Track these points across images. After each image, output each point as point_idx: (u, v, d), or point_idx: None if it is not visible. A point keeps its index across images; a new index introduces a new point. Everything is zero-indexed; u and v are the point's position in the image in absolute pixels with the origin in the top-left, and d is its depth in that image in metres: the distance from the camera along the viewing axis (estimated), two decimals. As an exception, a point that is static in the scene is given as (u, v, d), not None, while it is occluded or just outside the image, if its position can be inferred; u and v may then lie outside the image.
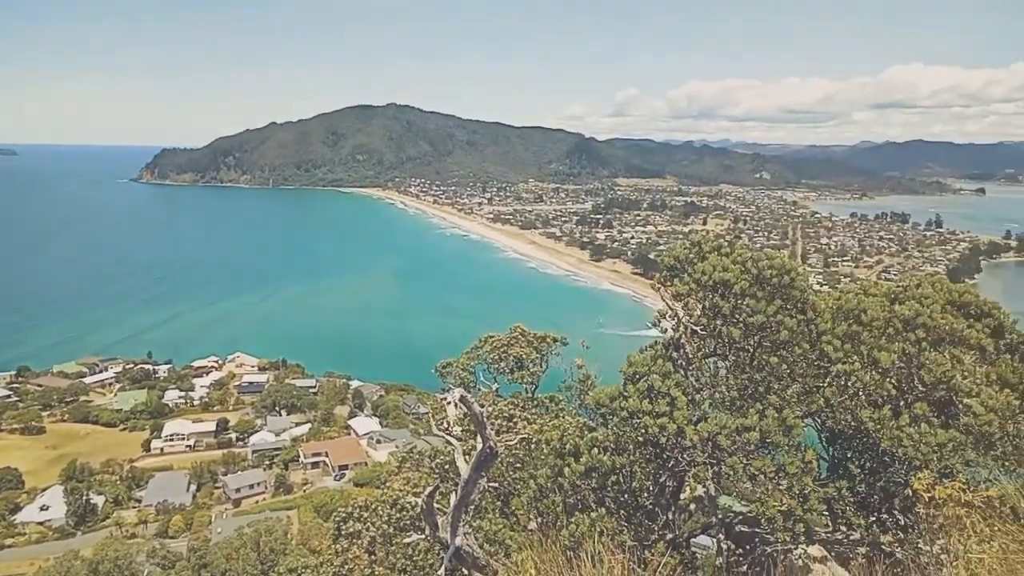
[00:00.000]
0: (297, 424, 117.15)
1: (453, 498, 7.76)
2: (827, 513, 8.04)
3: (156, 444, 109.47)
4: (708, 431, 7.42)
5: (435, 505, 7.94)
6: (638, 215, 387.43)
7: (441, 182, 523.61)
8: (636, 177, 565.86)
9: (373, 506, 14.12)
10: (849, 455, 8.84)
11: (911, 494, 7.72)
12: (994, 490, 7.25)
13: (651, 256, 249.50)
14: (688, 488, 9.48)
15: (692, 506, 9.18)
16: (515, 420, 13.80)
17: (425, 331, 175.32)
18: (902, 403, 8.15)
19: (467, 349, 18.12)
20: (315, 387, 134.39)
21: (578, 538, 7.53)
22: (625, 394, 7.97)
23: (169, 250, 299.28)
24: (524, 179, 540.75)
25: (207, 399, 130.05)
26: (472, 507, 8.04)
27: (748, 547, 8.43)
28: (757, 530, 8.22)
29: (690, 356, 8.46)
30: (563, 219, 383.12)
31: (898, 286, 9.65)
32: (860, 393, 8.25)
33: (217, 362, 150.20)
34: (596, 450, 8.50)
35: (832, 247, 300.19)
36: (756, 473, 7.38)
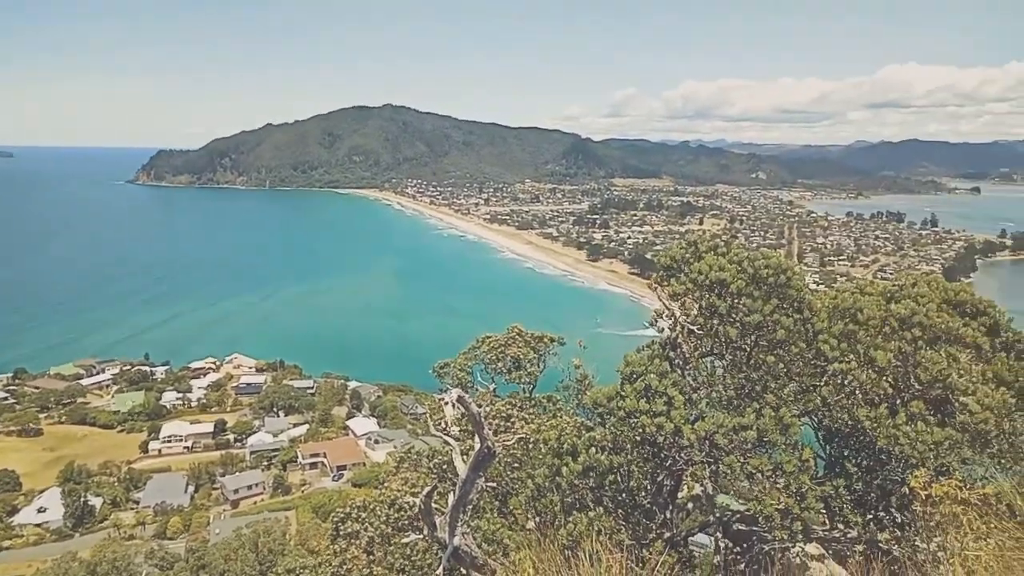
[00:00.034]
0: (295, 425, 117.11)
1: (451, 498, 7.77)
2: (824, 511, 8.06)
3: (154, 445, 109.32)
4: (705, 430, 7.44)
5: (433, 505, 7.95)
6: (634, 215, 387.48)
7: (438, 183, 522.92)
8: (632, 177, 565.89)
9: (371, 506, 14.11)
10: (846, 453, 8.88)
11: (908, 492, 7.75)
12: (990, 488, 7.28)
13: (648, 256, 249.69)
14: (686, 487, 9.50)
15: (690, 505, 9.20)
16: (513, 420, 13.82)
17: (423, 332, 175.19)
18: (898, 401, 8.18)
19: (464, 349, 18.14)
20: (313, 388, 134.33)
21: (576, 537, 7.54)
22: (622, 393, 7.99)
23: (165, 251, 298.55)
24: (521, 179, 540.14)
25: (205, 400, 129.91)
26: (470, 507, 8.04)
27: (746, 545, 8.46)
28: (755, 528, 8.24)
29: (687, 355, 8.47)
30: (560, 219, 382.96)
31: (894, 285, 9.69)
32: (857, 392, 8.28)
33: (215, 363, 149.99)
34: (594, 449, 8.51)
35: (828, 246, 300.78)
36: (753, 471, 7.40)
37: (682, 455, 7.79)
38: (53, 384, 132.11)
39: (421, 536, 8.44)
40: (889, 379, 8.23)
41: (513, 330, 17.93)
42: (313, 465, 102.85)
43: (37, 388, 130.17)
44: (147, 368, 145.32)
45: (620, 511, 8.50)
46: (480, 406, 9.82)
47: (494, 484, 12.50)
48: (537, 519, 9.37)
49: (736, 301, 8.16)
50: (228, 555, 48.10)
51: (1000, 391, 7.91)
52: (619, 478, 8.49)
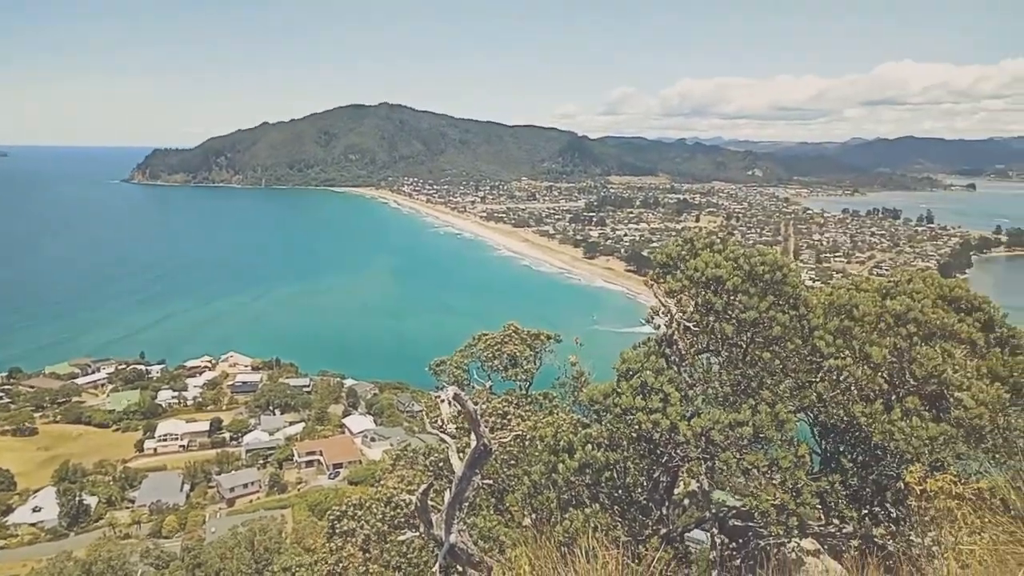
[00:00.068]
0: (291, 423, 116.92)
1: (447, 495, 7.74)
2: (820, 507, 8.08)
3: (149, 444, 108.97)
4: (701, 426, 7.45)
5: (429, 503, 7.93)
6: (631, 213, 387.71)
7: (434, 181, 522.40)
8: (629, 175, 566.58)
9: (367, 504, 14.10)
10: (841, 449, 8.91)
11: (903, 487, 7.77)
12: (984, 482, 7.29)
13: (644, 253, 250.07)
14: (682, 483, 9.52)
15: (686, 501, 9.21)
16: (509, 417, 13.83)
17: (419, 329, 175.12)
18: (894, 397, 8.20)
19: (461, 347, 18.14)
20: (309, 386, 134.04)
21: (572, 534, 7.54)
22: (619, 390, 8.00)
23: (160, 250, 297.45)
24: (517, 177, 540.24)
25: (200, 399, 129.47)
26: (466, 504, 8.03)
27: (742, 541, 8.48)
28: (751, 524, 8.26)
29: (683, 352, 8.48)
30: (556, 217, 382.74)
31: (889, 281, 9.71)
32: (852, 388, 8.30)
33: (210, 362, 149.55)
34: (590, 446, 8.51)
35: (824, 243, 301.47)
36: (749, 468, 7.41)
37: (678, 451, 7.80)
38: (48, 383, 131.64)
39: (417, 534, 8.42)
40: (884, 375, 8.25)
41: (509, 328, 17.94)
42: (309, 463, 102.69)
43: (32, 387, 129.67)
44: (142, 367, 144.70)
45: (616, 507, 8.51)
46: (476, 403, 9.82)
47: (490, 481, 12.50)
48: (533, 516, 9.37)
49: (732, 298, 8.17)
50: (224, 554, 48.00)
51: (994, 386, 7.94)
52: (615, 475, 8.49)
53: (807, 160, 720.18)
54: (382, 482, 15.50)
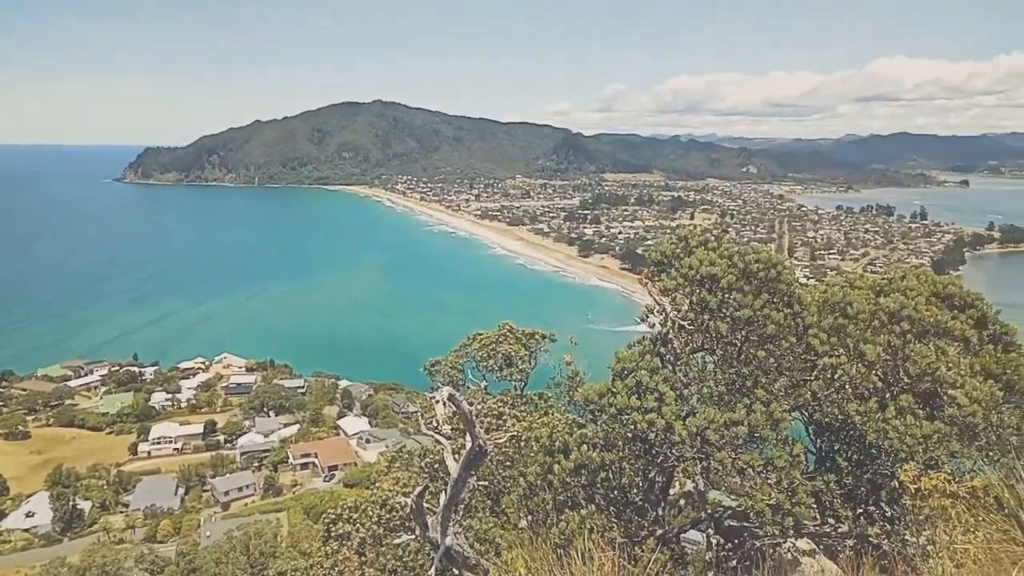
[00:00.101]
0: (286, 425, 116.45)
1: (443, 497, 7.71)
2: (815, 506, 8.08)
3: (143, 447, 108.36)
4: (696, 426, 7.43)
5: (425, 505, 7.89)
6: (625, 210, 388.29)
7: (428, 179, 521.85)
8: (623, 172, 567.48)
9: (363, 507, 14.06)
10: (836, 448, 8.90)
11: (897, 486, 7.77)
12: (978, 480, 7.30)
13: (639, 251, 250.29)
14: (677, 483, 9.50)
15: (681, 501, 9.20)
16: (504, 418, 13.79)
17: (413, 329, 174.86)
18: (888, 395, 8.20)
19: (455, 347, 18.10)
20: (303, 387, 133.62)
21: (568, 535, 7.52)
22: (614, 390, 7.97)
23: (152, 250, 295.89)
24: (511, 175, 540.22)
25: (194, 401, 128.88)
26: (462, 506, 7.99)
27: (737, 541, 8.47)
28: (746, 524, 8.25)
29: (678, 351, 8.46)
30: (551, 215, 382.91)
31: (883, 279, 9.71)
32: (847, 386, 8.30)
33: (204, 363, 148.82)
34: (585, 447, 8.48)
35: (818, 240, 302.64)
36: (745, 467, 7.40)
37: (673, 451, 7.78)
38: (40, 386, 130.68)
39: (413, 536, 8.39)
40: (878, 373, 8.25)
41: (504, 327, 17.90)
42: (304, 465, 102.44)
43: (24, 390, 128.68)
44: (136, 369, 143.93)
45: (612, 508, 8.48)
46: (471, 404, 9.76)
47: (486, 483, 12.46)
48: (529, 517, 9.33)
49: (726, 296, 8.16)
50: (219, 558, 47.90)
51: (988, 384, 7.95)
52: (611, 475, 8.47)
53: (801, 157, 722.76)
54: (377, 484, 15.43)
